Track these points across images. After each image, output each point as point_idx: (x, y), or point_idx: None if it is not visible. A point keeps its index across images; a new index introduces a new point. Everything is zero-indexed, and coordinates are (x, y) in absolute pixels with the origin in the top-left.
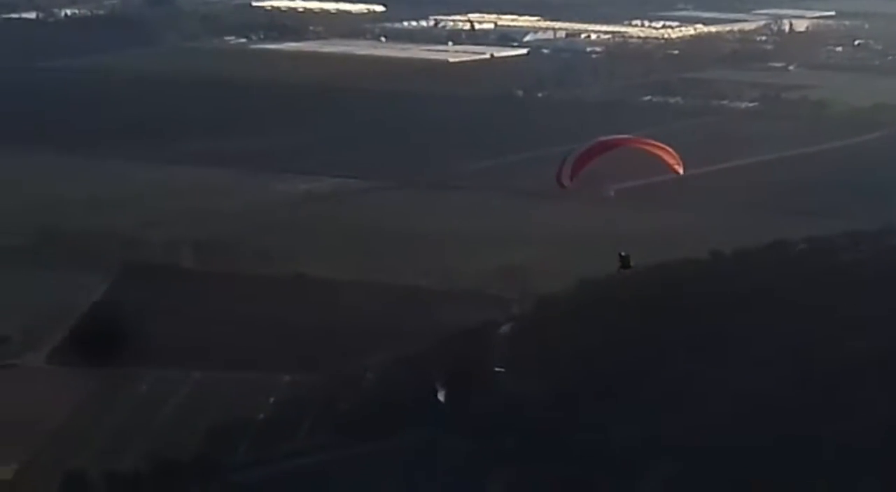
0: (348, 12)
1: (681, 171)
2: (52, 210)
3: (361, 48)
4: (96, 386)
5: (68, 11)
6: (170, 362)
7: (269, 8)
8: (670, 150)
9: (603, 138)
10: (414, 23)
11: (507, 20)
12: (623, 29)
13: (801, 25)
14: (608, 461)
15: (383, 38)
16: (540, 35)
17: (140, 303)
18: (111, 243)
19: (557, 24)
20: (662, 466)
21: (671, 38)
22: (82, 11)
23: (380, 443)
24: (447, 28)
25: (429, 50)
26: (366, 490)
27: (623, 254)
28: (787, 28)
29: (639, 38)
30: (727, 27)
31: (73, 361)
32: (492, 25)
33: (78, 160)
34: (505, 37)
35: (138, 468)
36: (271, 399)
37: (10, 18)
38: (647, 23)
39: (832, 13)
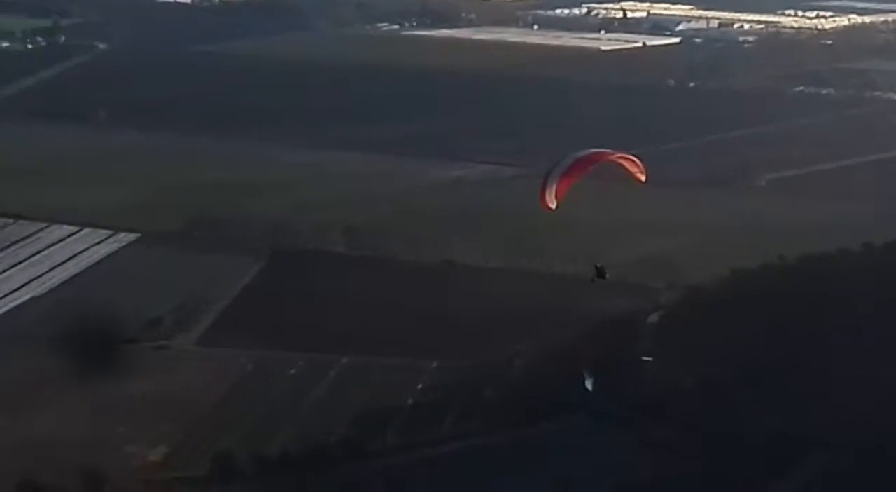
0: None
1: (643, 178)
2: (206, 194)
3: (513, 35)
4: (247, 369)
5: None
6: (319, 346)
7: None
8: (636, 159)
9: (577, 155)
10: (566, 10)
11: (659, 9)
12: (776, 18)
13: None
14: (755, 452)
15: (535, 26)
16: (693, 24)
17: (290, 287)
18: (263, 227)
19: (710, 14)
20: (811, 458)
21: (824, 28)
22: None
23: (526, 430)
24: (600, 16)
25: (581, 38)
26: (512, 477)
27: (598, 266)
28: None
29: (792, 27)
30: (881, 17)
31: (223, 343)
32: (644, 14)
33: (232, 144)
34: (657, 25)
35: (287, 451)
36: (419, 385)
37: (167, 3)
38: (800, 12)
39: None
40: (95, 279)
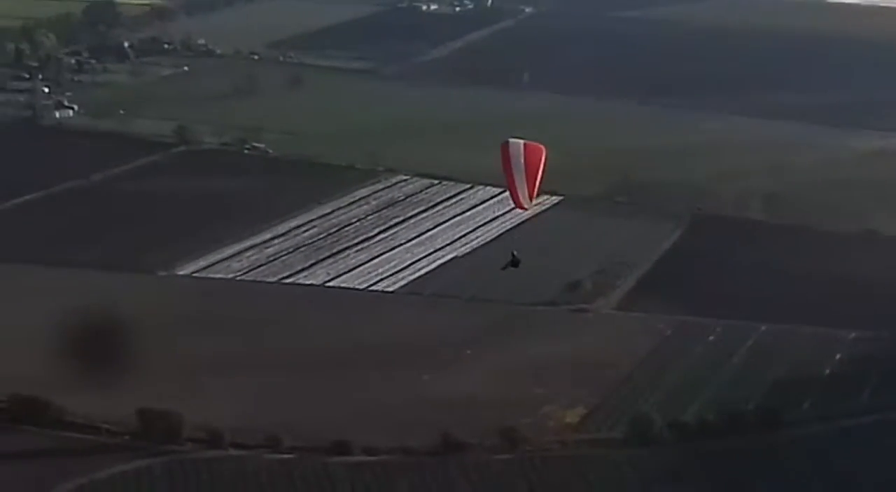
0: None
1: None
2: (627, 158)
3: None
4: (665, 334)
5: None
6: (737, 313)
7: None
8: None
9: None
10: None
11: None
12: None
13: None
14: None
15: None
16: None
17: (709, 253)
18: (683, 193)
19: None
20: None
21: None
22: None
23: None
24: None
25: None
26: None
27: (514, 253)
28: None
29: None
30: None
31: (642, 307)
32: None
33: (650, 109)
34: None
35: (704, 417)
36: (837, 355)
37: None
38: None
39: None
40: (517, 241)
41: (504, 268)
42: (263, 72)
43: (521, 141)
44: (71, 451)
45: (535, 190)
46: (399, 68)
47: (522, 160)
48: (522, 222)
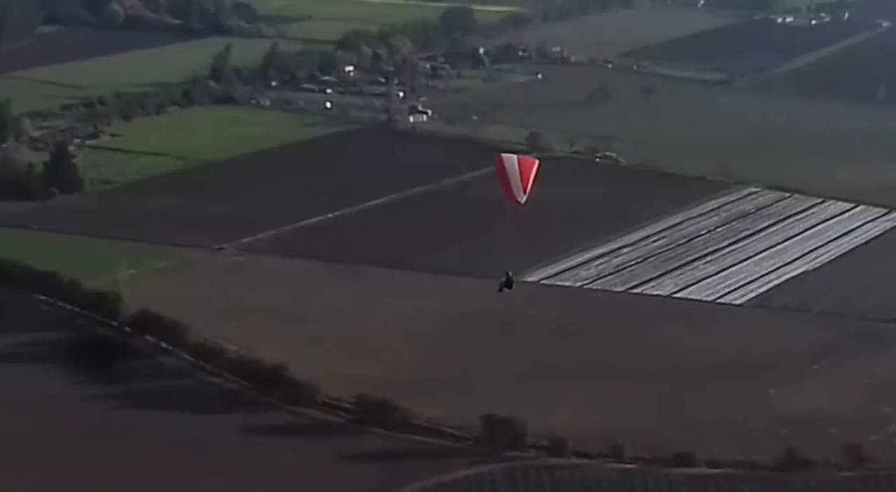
0: None
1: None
2: None
3: None
4: None
5: None
6: None
7: None
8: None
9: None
10: None
11: None
12: None
13: None
14: None
15: None
16: None
17: None
18: None
19: None
20: None
21: None
22: None
23: None
24: None
25: None
26: None
27: (508, 273)
28: None
29: None
30: None
31: None
32: None
33: None
34: None
35: None
36: None
37: None
38: None
39: None
40: (866, 257)
41: (500, 290)
42: (616, 81)
43: (514, 156)
44: (415, 454)
45: (528, 189)
46: (753, 80)
47: (517, 167)
48: (874, 239)
